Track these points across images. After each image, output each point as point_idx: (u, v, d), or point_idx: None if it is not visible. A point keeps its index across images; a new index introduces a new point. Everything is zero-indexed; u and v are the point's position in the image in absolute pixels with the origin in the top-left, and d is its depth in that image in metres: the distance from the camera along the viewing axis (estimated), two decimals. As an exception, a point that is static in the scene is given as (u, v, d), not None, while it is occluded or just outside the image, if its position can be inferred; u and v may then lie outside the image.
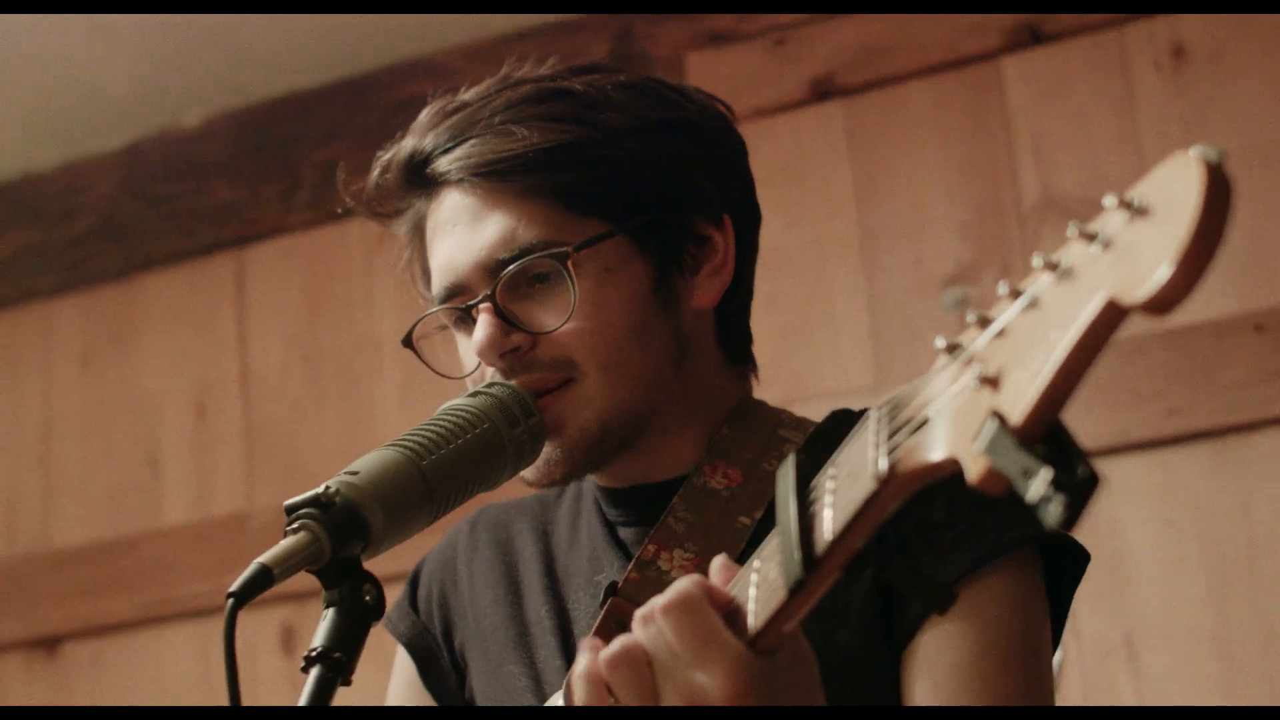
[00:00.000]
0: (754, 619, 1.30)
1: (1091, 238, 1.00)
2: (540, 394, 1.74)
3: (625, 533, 1.86)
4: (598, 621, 1.69)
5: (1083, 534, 1.72)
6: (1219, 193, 0.94)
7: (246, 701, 4.17)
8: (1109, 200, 0.99)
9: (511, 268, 1.76)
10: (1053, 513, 0.99)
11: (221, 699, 3.91)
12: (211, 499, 3.96)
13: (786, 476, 1.26)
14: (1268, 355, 3.10)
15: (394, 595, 1.77)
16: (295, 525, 1.45)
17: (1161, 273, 0.93)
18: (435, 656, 1.99)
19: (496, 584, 1.94)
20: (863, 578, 1.21)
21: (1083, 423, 2.72)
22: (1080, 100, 3.37)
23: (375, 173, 1.89)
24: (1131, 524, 3.11)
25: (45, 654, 4.03)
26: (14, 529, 4.14)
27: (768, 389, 1.99)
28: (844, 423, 1.86)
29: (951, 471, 1.10)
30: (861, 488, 1.16)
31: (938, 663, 1.64)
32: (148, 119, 4.10)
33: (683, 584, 1.36)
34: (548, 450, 1.76)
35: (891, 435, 1.15)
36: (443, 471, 1.59)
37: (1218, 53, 3.27)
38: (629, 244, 1.79)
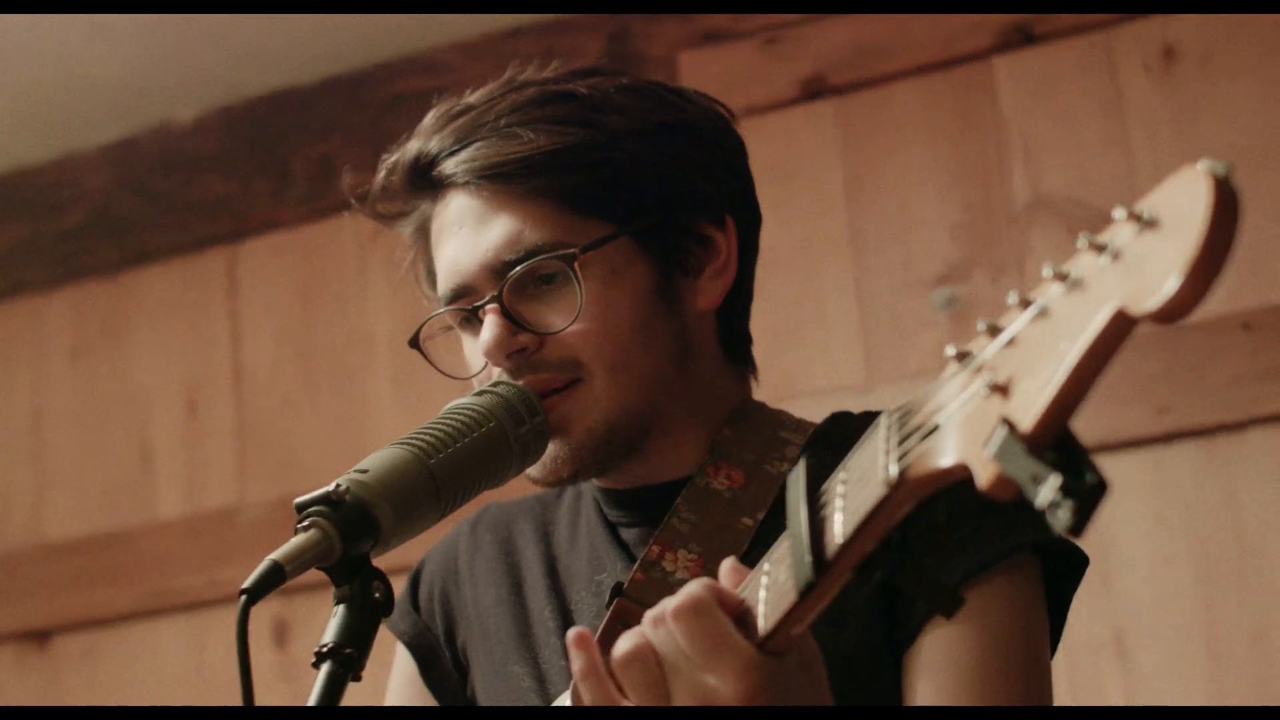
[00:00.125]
0: (764, 621, 1.32)
1: (1101, 249, 1.03)
2: (546, 394, 1.77)
3: (627, 533, 1.88)
4: (604, 622, 1.71)
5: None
6: (1227, 206, 0.97)
7: (238, 699, 4.16)
8: (1118, 212, 1.01)
9: (518, 269, 1.78)
10: (1062, 519, 1.02)
11: (214, 691, 3.95)
12: (203, 493, 3.98)
13: (797, 481, 1.28)
14: (1257, 354, 3.13)
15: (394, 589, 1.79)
16: (306, 523, 1.47)
17: (1171, 284, 0.96)
18: (436, 655, 2.00)
19: (499, 584, 1.96)
20: (871, 580, 1.23)
21: (1073, 421, 2.75)
22: (1070, 101, 3.39)
23: (380, 174, 1.91)
24: (1121, 521, 3.14)
25: (36, 646, 4.04)
26: (5, 522, 4.15)
27: (758, 388, 2.01)
28: (843, 425, 1.89)
29: (961, 477, 1.13)
30: (872, 493, 1.18)
31: (939, 665, 1.66)
32: (141, 113, 4.10)
33: (693, 587, 1.37)
34: (555, 449, 1.78)
35: (902, 441, 1.17)
36: (450, 470, 1.61)
37: (1208, 55, 3.29)
38: (633, 246, 1.81)
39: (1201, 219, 0.96)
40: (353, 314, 3.93)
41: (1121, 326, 1.01)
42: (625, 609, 1.70)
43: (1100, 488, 1.02)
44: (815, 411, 1.97)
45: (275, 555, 1.43)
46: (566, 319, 1.77)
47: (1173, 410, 3.16)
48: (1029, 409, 1.04)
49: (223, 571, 3.89)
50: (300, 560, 1.44)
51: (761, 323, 1.99)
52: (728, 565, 1.43)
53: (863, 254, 3.48)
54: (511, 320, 1.79)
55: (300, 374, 3.96)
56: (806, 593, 1.24)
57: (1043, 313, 1.08)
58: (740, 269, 1.89)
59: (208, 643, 3.90)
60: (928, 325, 3.39)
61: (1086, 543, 1.85)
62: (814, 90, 3.59)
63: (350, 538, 1.47)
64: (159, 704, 3.88)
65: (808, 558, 1.23)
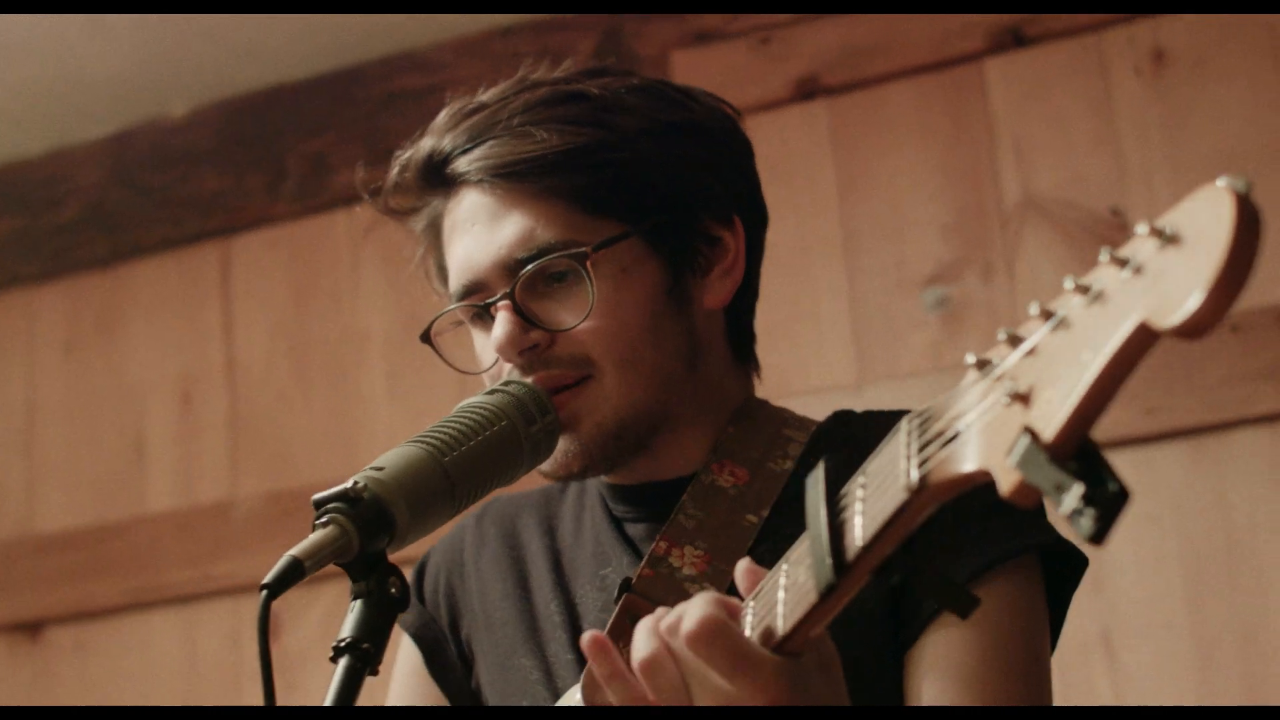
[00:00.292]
0: (783, 621, 1.35)
1: (1123, 263, 1.05)
2: (557, 390, 1.79)
3: (632, 529, 1.91)
4: (612, 617, 1.73)
5: (1062, 531, 1.78)
6: (1249, 223, 0.99)
7: (229, 692, 4.20)
8: (1141, 228, 1.04)
9: (530, 267, 1.80)
10: (1085, 527, 1.04)
11: (205, 684, 3.96)
12: (196, 487, 3.99)
13: (817, 484, 1.31)
14: (1245, 355, 3.16)
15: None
16: (324, 519, 1.49)
17: (1194, 301, 0.98)
18: (441, 647, 2.02)
19: (505, 577, 1.98)
20: (889, 583, 1.26)
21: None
22: (1062, 103, 3.42)
23: (393, 171, 1.93)
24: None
25: (28, 638, 4.06)
26: (-3, 514, 4.17)
27: (758, 386, 2.04)
28: (846, 424, 1.92)
29: (981, 484, 1.15)
30: (893, 497, 1.21)
31: (942, 666, 1.69)
32: (135, 108, 4.12)
33: (706, 609, 1.40)
34: (565, 444, 1.80)
35: (923, 448, 1.20)
36: (464, 467, 1.63)
37: (1198, 58, 3.32)
38: (643, 245, 1.84)
39: (1224, 236, 0.98)
40: (346, 309, 3.94)
41: (1144, 340, 1.03)
42: (633, 604, 1.73)
43: (1122, 496, 1.04)
44: (807, 410, 1.99)
45: (295, 551, 1.44)
46: (577, 316, 1.80)
47: (1162, 410, 3.19)
48: (1051, 418, 1.07)
49: (215, 565, 3.91)
50: (319, 556, 1.46)
51: (755, 321, 2.02)
52: (744, 565, 1.46)
53: (855, 254, 3.51)
54: (523, 317, 1.81)
55: (294, 369, 3.98)
56: (827, 594, 1.27)
57: (1063, 324, 1.10)
58: (747, 268, 1.92)
59: (199, 636, 3.91)
60: (919, 325, 3.42)
61: (1074, 541, 1.88)
62: (807, 91, 3.61)
63: (368, 534, 1.49)
64: (150, 696, 3.90)
65: (828, 560, 1.25)
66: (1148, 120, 3.34)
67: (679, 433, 1.88)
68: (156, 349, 4.10)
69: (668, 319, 1.85)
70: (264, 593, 1.42)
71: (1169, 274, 1.01)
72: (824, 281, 3.51)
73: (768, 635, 1.38)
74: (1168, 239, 1.03)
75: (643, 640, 1.43)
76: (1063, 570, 1.81)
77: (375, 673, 1.48)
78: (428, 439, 1.64)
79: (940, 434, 1.19)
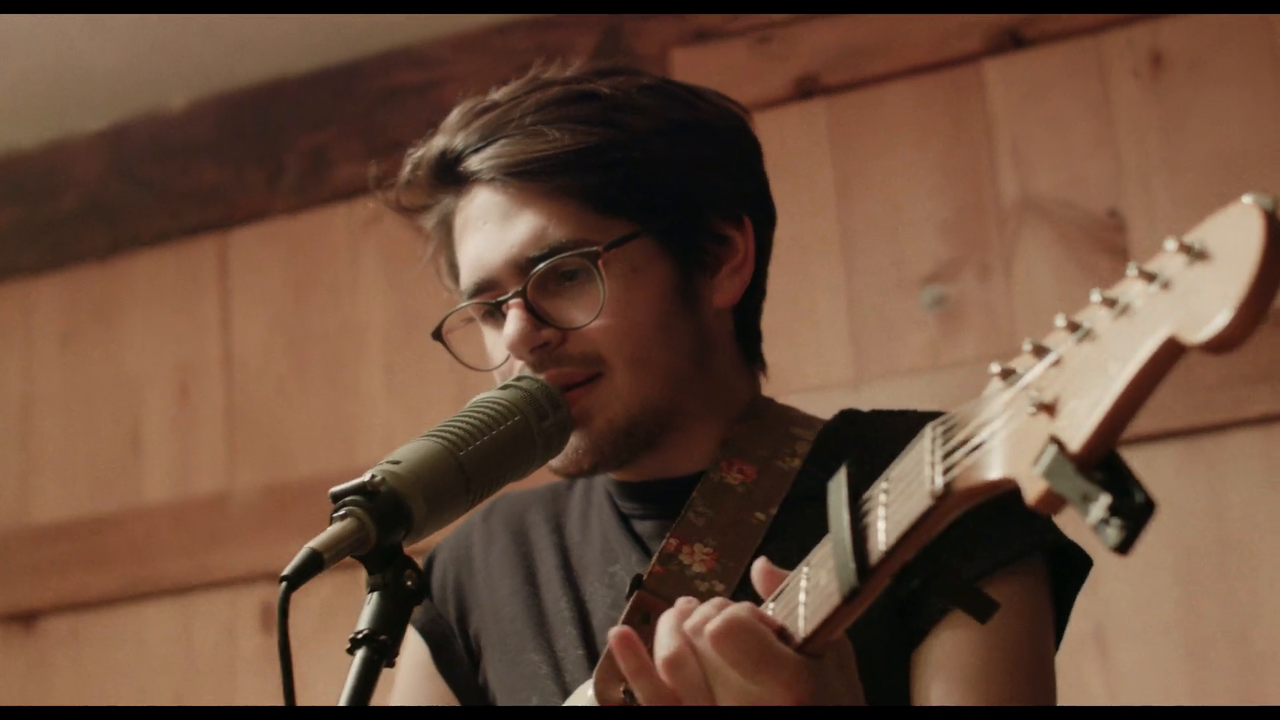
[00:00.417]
0: (804, 623, 1.37)
1: (1151, 278, 1.07)
2: (568, 388, 1.81)
3: (640, 526, 1.93)
4: (624, 614, 1.75)
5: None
6: (1277, 241, 1.01)
7: (225, 683, 4.20)
8: (1169, 243, 1.06)
9: (542, 265, 1.82)
10: (1111, 537, 1.06)
11: (200, 675, 3.97)
12: (192, 479, 4.00)
13: (839, 488, 1.33)
14: (1239, 357, 3.17)
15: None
16: (342, 512, 1.50)
17: (1222, 318, 1.00)
18: (449, 642, 2.04)
19: (513, 573, 2.00)
20: (909, 587, 1.28)
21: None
22: (1059, 105, 3.44)
23: (405, 169, 1.95)
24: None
25: (22, 628, 4.06)
26: (-8, 504, 4.18)
27: (764, 384, 2.06)
28: (853, 423, 1.94)
29: (1006, 491, 1.17)
30: (917, 503, 1.23)
31: (949, 665, 1.71)
32: (134, 100, 4.12)
33: (731, 609, 1.42)
34: (576, 441, 1.82)
35: (947, 455, 1.22)
36: (479, 462, 1.64)
37: (1196, 61, 3.34)
38: (654, 244, 1.85)
39: (1254, 254, 1.00)
40: (345, 303, 3.95)
41: (1171, 353, 1.05)
42: (644, 601, 1.75)
43: (1149, 506, 1.06)
44: (805, 408, 2.01)
45: (313, 543, 1.46)
46: (589, 315, 1.82)
47: (1157, 411, 3.19)
48: (1078, 429, 1.09)
49: (211, 557, 3.92)
50: (338, 548, 1.47)
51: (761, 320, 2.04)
52: (761, 566, 1.48)
53: (853, 253, 3.53)
54: (535, 315, 1.83)
55: (291, 362, 3.99)
56: (850, 598, 1.29)
57: (1089, 335, 1.12)
58: (756, 267, 1.94)
59: (195, 627, 3.93)
60: (917, 324, 3.44)
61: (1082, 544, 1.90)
62: (806, 89, 3.63)
63: (384, 527, 1.51)
64: (145, 687, 3.91)
65: (851, 564, 1.27)
66: (1145, 122, 3.36)
67: (688, 431, 1.89)
68: (154, 341, 4.11)
69: (678, 318, 1.86)
70: (283, 584, 1.44)
71: (1198, 289, 1.03)
72: (822, 280, 3.53)
73: (789, 636, 1.40)
74: (1196, 255, 1.04)
75: (666, 637, 1.45)
76: (1066, 571, 1.83)
77: (392, 664, 1.50)
78: (443, 433, 1.65)
79: (965, 441, 1.20)
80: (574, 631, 1.90)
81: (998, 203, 3.44)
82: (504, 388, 1.77)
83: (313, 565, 1.44)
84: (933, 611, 1.73)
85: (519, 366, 1.84)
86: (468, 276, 1.89)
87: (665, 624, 1.46)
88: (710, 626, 1.41)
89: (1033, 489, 1.11)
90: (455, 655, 2.04)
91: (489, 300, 1.87)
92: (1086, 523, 1.08)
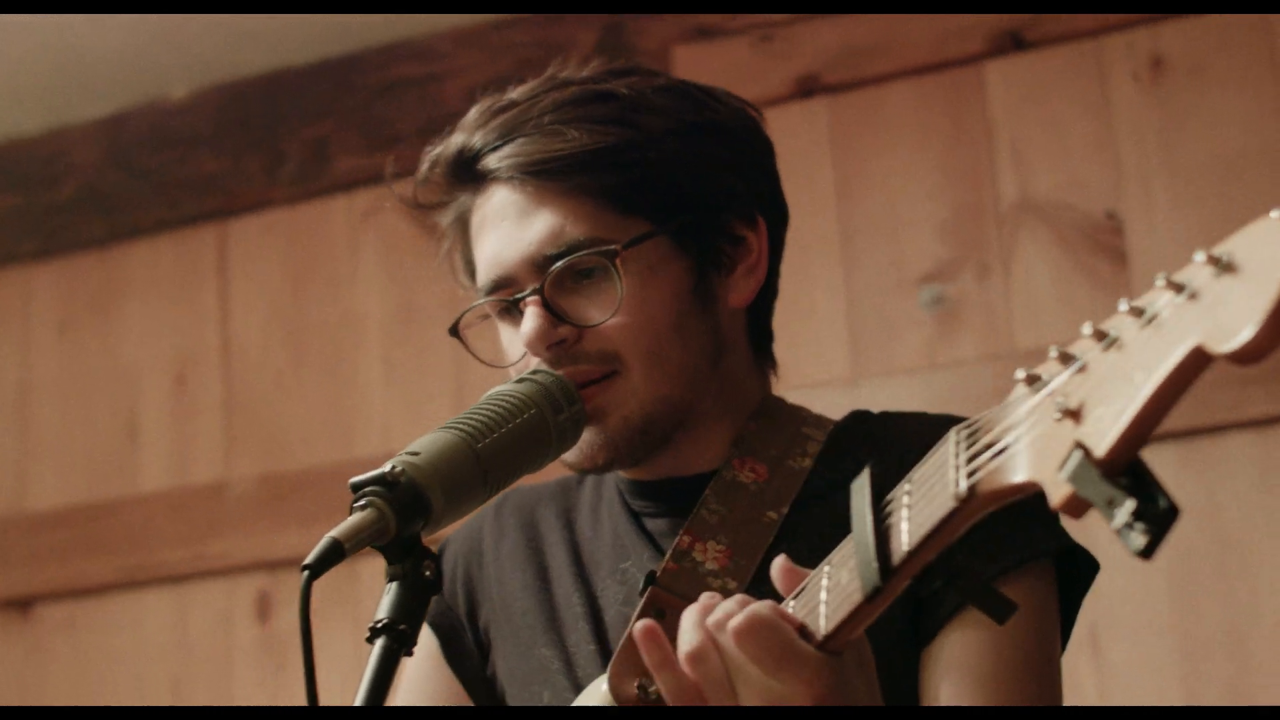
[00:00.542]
0: (825, 622, 1.39)
1: (1179, 288, 1.09)
2: (584, 385, 1.82)
3: (652, 523, 1.94)
4: (638, 610, 1.77)
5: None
6: (1307, 255, 1.03)
7: (220, 672, 4.22)
8: (1198, 255, 1.08)
9: (560, 264, 1.83)
10: (1136, 542, 1.08)
11: (196, 663, 3.98)
12: (189, 467, 4.02)
13: (862, 490, 1.35)
14: (1236, 361, 3.20)
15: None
16: (362, 502, 1.51)
17: (1249, 330, 1.02)
18: (458, 635, 2.05)
19: (525, 568, 2.01)
20: (931, 587, 1.30)
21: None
22: (1059, 107, 3.47)
23: (423, 166, 1.96)
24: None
25: (19, 615, 4.08)
26: (-10, 492, 4.19)
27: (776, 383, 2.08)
28: (864, 424, 1.96)
29: (1029, 495, 1.19)
30: (941, 505, 1.25)
31: (959, 664, 1.73)
32: (134, 89, 4.13)
33: (754, 606, 1.44)
34: (591, 437, 1.84)
35: (971, 459, 1.24)
36: (496, 454, 1.66)
37: (1196, 65, 3.37)
38: (670, 244, 1.87)
39: (1282, 268, 1.02)
40: (343, 295, 3.97)
41: (1198, 363, 1.07)
42: (658, 597, 1.78)
43: (1173, 512, 1.08)
44: (803, 405, 2.03)
45: (335, 532, 1.46)
46: (605, 313, 1.83)
47: (1153, 413, 3.22)
48: (1104, 435, 1.11)
49: (208, 546, 3.93)
50: (358, 538, 1.48)
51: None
52: (781, 564, 1.50)
53: (852, 251, 3.55)
54: (552, 313, 1.84)
55: (290, 352, 4.00)
56: (873, 596, 1.31)
57: (1115, 344, 1.14)
58: (769, 267, 1.96)
59: (190, 615, 3.94)
60: (915, 323, 3.46)
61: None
62: (807, 89, 3.65)
63: (404, 518, 1.52)
64: (141, 674, 3.92)
65: (874, 563, 1.30)
66: (1145, 125, 3.39)
67: (701, 429, 1.91)
68: (152, 330, 4.12)
69: (693, 317, 1.88)
70: (305, 573, 1.44)
71: (1226, 301, 1.05)
72: (821, 278, 3.55)
73: (810, 634, 1.42)
74: (1224, 266, 1.06)
75: (689, 632, 1.47)
76: (1074, 574, 1.85)
77: (410, 653, 1.51)
78: (461, 425, 1.66)
79: (989, 445, 1.23)
80: (586, 627, 1.92)
81: (997, 204, 3.46)
82: (519, 381, 1.78)
83: (334, 554, 1.45)
84: (944, 611, 1.75)
85: (535, 363, 1.85)
86: (485, 273, 1.90)
87: (689, 619, 1.48)
88: (733, 623, 1.43)
89: (1057, 493, 1.13)
90: (465, 648, 2.05)
91: (506, 297, 1.88)
92: (1111, 527, 1.10)
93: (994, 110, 3.50)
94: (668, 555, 1.83)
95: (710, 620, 1.46)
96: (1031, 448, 1.18)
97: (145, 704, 3.89)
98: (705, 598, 1.51)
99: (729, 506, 1.86)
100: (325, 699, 4.06)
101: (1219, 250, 1.07)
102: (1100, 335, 1.15)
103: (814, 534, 1.81)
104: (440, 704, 2.06)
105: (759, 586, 1.74)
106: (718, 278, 1.91)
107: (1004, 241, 3.44)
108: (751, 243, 1.93)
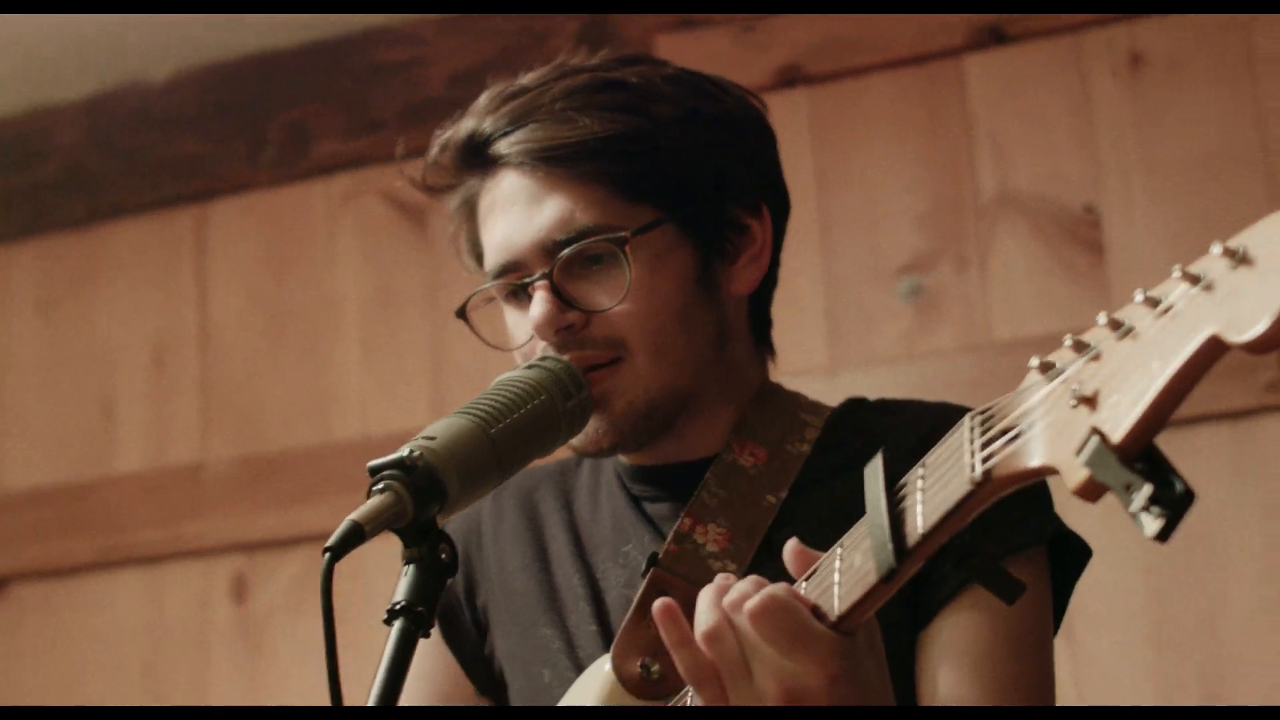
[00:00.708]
0: (839, 602, 1.43)
1: (1195, 280, 1.12)
2: (590, 369, 1.85)
3: (653, 508, 1.97)
4: (640, 591, 1.80)
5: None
6: (1319, 249, 1.06)
7: (195, 653, 4.21)
8: (1215, 248, 1.11)
9: (570, 249, 1.86)
10: (1152, 526, 1.12)
11: (171, 644, 3.97)
12: (166, 448, 4.02)
13: (876, 474, 1.38)
14: (1210, 354, 3.24)
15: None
16: (380, 486, 1.54)
17: (1265, 321, 1.05)
18: (456, 614, 2.08)
19: (525, 549, 2.04)
20: (941, 569, 1.34)
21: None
22: (1038, 101, 3.50)
23: (434, 150, 1.98)
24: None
25: (-6, 595, 4.09)
26: (-35, 470, 4.19)
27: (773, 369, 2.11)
28: (860, 411, 2.00)
29: (1044, 478, 1.23)
30: (957, 489, 1.29)
31: (956, 647, 1.77)
32: (117, 70, 4.13)
33: (770, 587, 1.47)
34: (596, 422, 1.87)
35: (986, 444, 1.27)
36: (509, 439, 1.68)
37: (1174, 62, 3.40)
38: (677, 232, 1.91)
39: (1299, 261, 1.05)
40: (323, 278, 3.98)
41: (1214, 351, 1.10)
42: (660, 578, 1.81)
43: (1188, 496, 1.12)
44: (791, 391, 2.07)
45: (355, 515, 1.48)
46: (613, 299, 1.86)
47: (1128, 405, 3.26)
48: (1120, 421, 1.14)
49: (184, 527, 3.94)
50: (377, 521, 1.50)
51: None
52: (793, 547, 1.53)
53: (831, 242, 3.58)
54: (561, 298, 1.87)
55: (267, 334, 4.01)
56: (888, 578, 1.35)
57: (1130, 333, 1.17)
58: (771, 256, 1.99)
59: (166, 596, 3.95)
60: (893, 313, 3.50)
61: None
62: (788, 79, 3.67)
63: (421, 502, 1.54)
64: (117, 655, 3.93)
65: (890, 545, 1.33)
66: (1123, 121, 3.42)
67: (704, 415, 1.95)
68: (131, 310, 4.12)
69: (698, 304, 1.91)
70: (327, 555, 1.45)
71: (1242, 292, 1.08)
72: (800, 268, 3.57)
73: (823, 614, 1.45)
74: (1240, 259, 1.10)
75: (706, 612, 1.50)
76: (1068, 559, 1.89)
77: (427, 634, 1.53)
78: (474, 410, 1.69)
79: (1005, 431, 1.26)
80: (587, 608, 1.95)
81: (975, 196, 3.49)
82: (529, 367, 1.81)
83: (354, 537, 1.47)
84: (941, 595, 1.78)
85: (541, 347, 1.88)
86: (494, 257, 1.93)
87: (705, 599, 1.51)
88: (749, 604, 1.46)
89: (1075, 477, 1.17)
90: (463, 628, 2.08)
91: (515, 281, 1.91)
92: (1129, 511, 1.13)
93: (974, 104, 3.54)
94: (669, 537, 1.86)
95: (726, 600, 1.49)
96: (1047, 433, 1.21)
97: (120, 685, 3.90)
98: (720, 578, 1.54)
99: (729, 490, 1.89)
100: (301, 685, 4.07)
101: (1234, 243, 1.11)
102: (1115, 324, 1.18)
103: (812, 518, 1.85)
104: (436, 682, 2.09)
105: (758, 568, 1.77)
106: (722, 266, 1.94)
107: (982, 234, 3.47)
108: (755, 231, 1.96)
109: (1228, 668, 3.15)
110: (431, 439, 1.61)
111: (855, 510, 1.51)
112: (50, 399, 4.14)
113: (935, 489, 1.32)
